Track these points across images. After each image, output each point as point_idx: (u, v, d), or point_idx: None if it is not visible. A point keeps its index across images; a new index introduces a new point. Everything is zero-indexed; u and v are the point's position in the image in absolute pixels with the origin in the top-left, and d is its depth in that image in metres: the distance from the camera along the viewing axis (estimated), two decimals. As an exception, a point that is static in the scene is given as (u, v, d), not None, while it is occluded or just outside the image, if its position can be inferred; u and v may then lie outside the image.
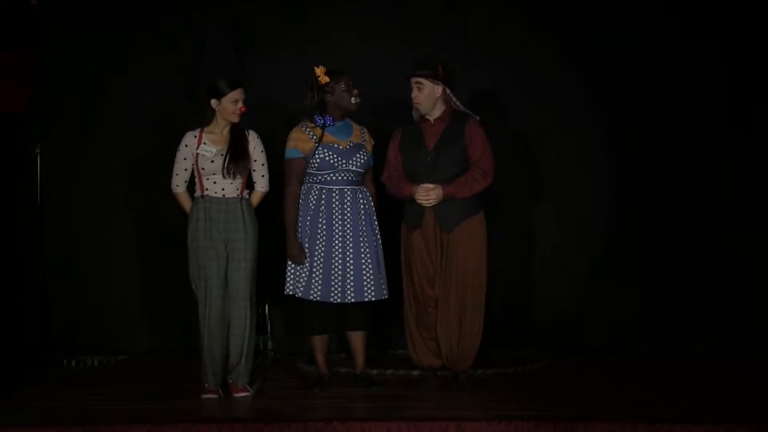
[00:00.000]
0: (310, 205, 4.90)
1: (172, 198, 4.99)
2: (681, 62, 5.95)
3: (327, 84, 4.91)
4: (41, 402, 4.80)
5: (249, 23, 6.09)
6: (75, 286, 6.05)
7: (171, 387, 5.08)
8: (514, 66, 6.02)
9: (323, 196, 4.89)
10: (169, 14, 6.09)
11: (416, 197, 4.89)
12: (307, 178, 4.94)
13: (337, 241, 4.87)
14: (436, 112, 4.98)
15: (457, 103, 5.01)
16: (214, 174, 4.79)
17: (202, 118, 4.87)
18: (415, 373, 5.23)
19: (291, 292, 4.94)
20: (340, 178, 4.90)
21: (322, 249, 4.86)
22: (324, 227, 4.87)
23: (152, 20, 6.07)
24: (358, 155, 4.93)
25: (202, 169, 4.80)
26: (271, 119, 5.73)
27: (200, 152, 4.80)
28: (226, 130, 4.87)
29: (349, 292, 4.85)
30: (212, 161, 4.79)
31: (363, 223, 4.92)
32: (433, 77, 4.90)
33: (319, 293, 4.85)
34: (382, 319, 5.56)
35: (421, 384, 5.08)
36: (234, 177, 4.81)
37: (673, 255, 5.92)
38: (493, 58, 6.03)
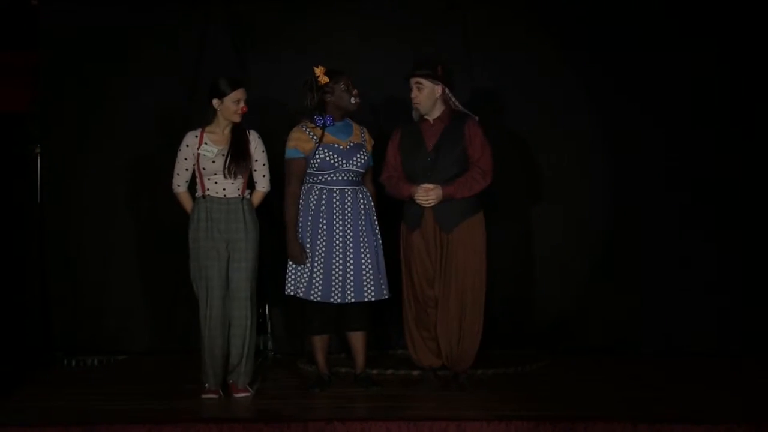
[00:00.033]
0: (311, 205, 4.90)
1: (173, 198, 4.98)
2: (681, 62, 5.95)
3: (327, 84, 4.91)
4: (41, 402, 4.79)
5: (249, 23, 6.09)
6: (75, 286, 6.05)
7: (171, 387, 5.07)
8: (514, 66, 6.02)
9: (323, 196, 4.89)
10: (169, 14, 6.09)
11: (416, 197, 4.89)
12: (308, 178, 4.93)
13: (337, 241, 4.86)
14: (436, 112, 4.97)
15: (457, 103, 5.01)
16: (215, 174, 4.79)
17: (203, 118, 4.87)
18: (415, 373, 5.23)
19: (292, 293, 4.93)
20: (340, 178, 4.90)
21: (323, 249, 4.86)
22: (324, 227, 4.86)
23: (152, 20, 6.07)
24: (358, 155, 4.93)
25: (204, 169, 4.80)
26: (271, 119, 5.72)
27: (201, 152, 4.80)
28: (227, 130, 4.87)
29: (349, 292, 4.85)
30: (213, 161, 4.78)
31: (363, 223, 4.91)
32: (433, 77, 4.90)
33: (319, 294, 4.85)
34: (382, 319, 5.57)
35: (421, 384, 5.08)
36: (235, 177, 4.80)
37: (673, 255, 5.93)
38: (493, 58, 6.03)
